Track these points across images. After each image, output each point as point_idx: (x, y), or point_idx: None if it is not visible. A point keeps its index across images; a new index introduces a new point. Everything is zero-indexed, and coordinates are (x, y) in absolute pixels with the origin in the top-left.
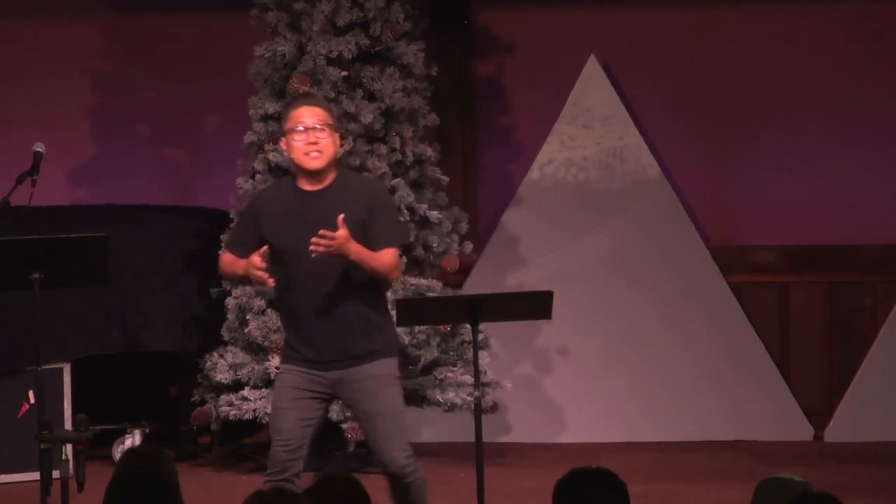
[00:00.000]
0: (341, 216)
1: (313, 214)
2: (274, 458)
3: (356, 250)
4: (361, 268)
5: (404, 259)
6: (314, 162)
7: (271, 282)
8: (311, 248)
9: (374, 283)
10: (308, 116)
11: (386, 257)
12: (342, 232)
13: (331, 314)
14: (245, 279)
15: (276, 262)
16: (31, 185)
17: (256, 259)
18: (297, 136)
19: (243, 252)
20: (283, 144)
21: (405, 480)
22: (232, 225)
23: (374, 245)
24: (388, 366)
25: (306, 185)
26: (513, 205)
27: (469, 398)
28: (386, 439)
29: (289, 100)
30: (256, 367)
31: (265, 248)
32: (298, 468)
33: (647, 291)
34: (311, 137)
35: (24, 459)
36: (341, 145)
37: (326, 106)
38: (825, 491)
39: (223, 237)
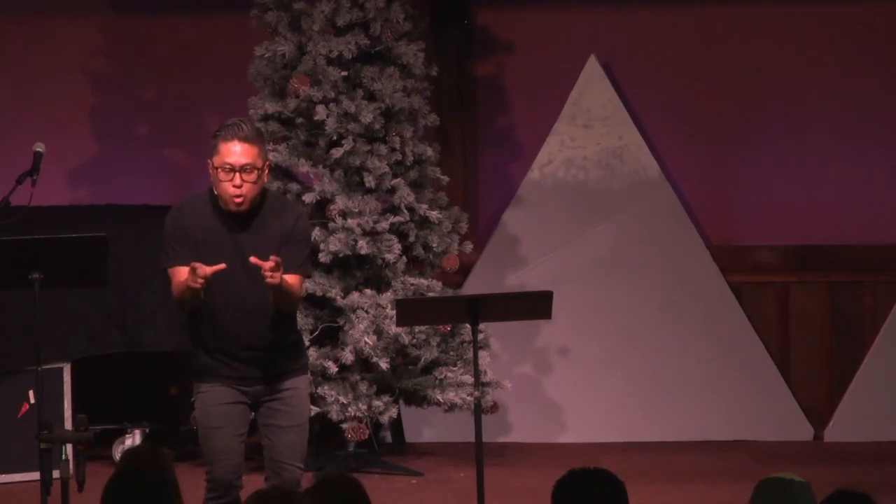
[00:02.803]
0: (273, 259)
1: (243, 235)
2: (217, 481)
3: (284, 286)
4: (281, 295)
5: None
6: (236, 208)
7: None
8: (267, 277)
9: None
10: (238, 155)
11: (295, 283)
12: (273, 261)
13: (254, 333)
14: (193, 291)
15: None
16: (31, 185)
17: (205, 270)
18: (222, 175)
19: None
20: (209, 168)
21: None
22: (165, 245)
23: (285, 268)
24: (304, 382)
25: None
26: (513, 205)
27: (469, 398)
28: (291, 452)
29: (216, 130)
30: None
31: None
32: (241, 487)
33: (647, 291)
34: (236, 180)
35: (24, 459)
36: (268, 177)
37: (257, 139)
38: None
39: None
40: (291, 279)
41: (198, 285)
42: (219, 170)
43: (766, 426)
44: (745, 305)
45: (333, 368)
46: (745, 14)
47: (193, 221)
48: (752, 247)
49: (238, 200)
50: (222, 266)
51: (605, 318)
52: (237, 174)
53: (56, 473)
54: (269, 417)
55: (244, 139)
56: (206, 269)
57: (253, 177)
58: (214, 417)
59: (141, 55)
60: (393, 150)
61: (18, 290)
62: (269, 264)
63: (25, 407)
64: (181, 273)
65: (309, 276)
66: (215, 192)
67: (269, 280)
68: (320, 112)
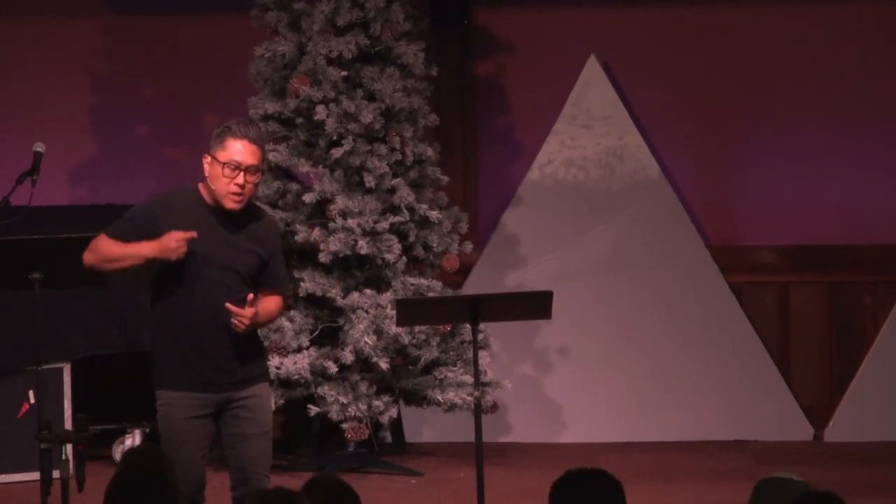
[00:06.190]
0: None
1: (225, 233)
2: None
3: (260, 321)
4: (257, 326)
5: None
6: (233, 205)
7: (194, 234)
8: (235, 324)
9: None
10: (246, 155)
11: (276, 308)
12: (250, 311)
13: (224, 334)
14: (135, 259)
15: (171, 276)
16: (31, 185)
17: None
18: (226, 172)
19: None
20: (205, 162)
21: None
22: (126, 220)
23: (267, 285)
24: (266, 388)
25: (214, 203)
26: (513, 205)
27: (469, 398)
28: (257, 461)
29: (225, 126)
30: None
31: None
32: (203, 500)
33: (647, 291)
34: (239, 179)
35: (24, 459)
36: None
37: (263, 143)
38: (828, 490)
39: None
40: (271, 303)
41: (180, 253)
42: (224, 165)
43: (766, 426)
44: (745, 305)
45: (333, 368)
46: (745, 14)
47: (173, 202)
48: (752, 247)
49: (238, 199)
50: (194, 234)
51: (605, 318)
52: (242, 173)
53: (56, 473)
54: (235, 426)
55: (254, 140)
56: (183, 236)
57: (255, 178)
58: (178, 431)
59: (141, 55)
60: (393, 150)
61: (18, 290)
62: (244, 312)
63: (25, 407)
64: (117, 244)
65: (287, 297)
66: (211, 187)
67: (236, 327)
68: (320, 112)
